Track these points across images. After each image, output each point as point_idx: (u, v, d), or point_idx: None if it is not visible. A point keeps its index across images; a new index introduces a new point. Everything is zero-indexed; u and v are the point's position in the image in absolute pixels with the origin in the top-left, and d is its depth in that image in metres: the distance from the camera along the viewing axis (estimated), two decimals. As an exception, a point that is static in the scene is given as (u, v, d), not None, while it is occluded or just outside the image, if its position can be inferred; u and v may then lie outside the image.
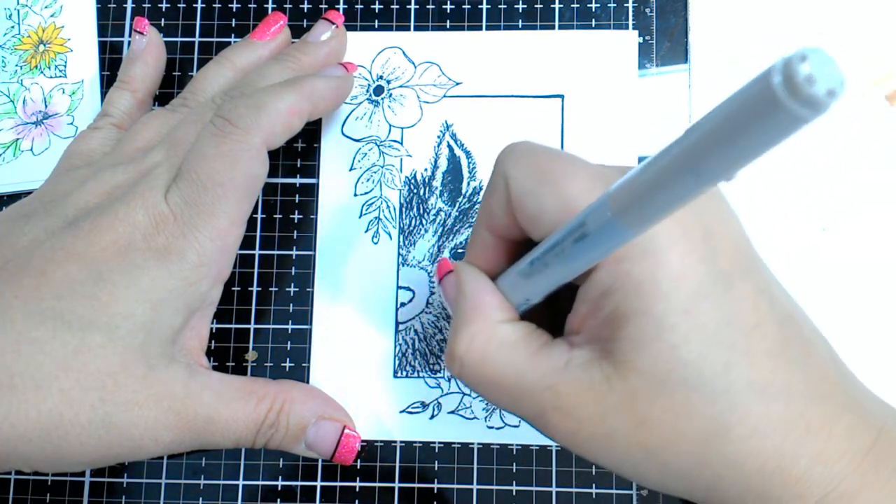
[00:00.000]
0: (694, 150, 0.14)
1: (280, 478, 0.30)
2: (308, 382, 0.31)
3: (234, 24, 0.34)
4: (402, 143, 0.32)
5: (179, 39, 0.34)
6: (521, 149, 0.23)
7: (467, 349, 0.23)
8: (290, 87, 0.28)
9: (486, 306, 0.24)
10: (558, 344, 0.23)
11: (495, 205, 0.24)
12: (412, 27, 0.33)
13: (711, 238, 0.21)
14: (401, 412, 0.31)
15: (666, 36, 0.33)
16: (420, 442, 0.30)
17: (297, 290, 0.32)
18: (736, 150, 0.13)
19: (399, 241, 0.32)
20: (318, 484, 0.30)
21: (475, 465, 0.30)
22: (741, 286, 0.21)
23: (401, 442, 0.30)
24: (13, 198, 0.33)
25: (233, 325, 0.32)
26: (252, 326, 0.31)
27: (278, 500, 0.30)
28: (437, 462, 0.30)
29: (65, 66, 0.34)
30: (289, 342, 0.31)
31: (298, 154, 0.33)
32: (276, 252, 0.32)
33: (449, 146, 0.32)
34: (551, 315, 0.25)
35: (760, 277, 0.22)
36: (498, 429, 0.30)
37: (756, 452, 0.21)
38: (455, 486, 0.30)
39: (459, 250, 0.31)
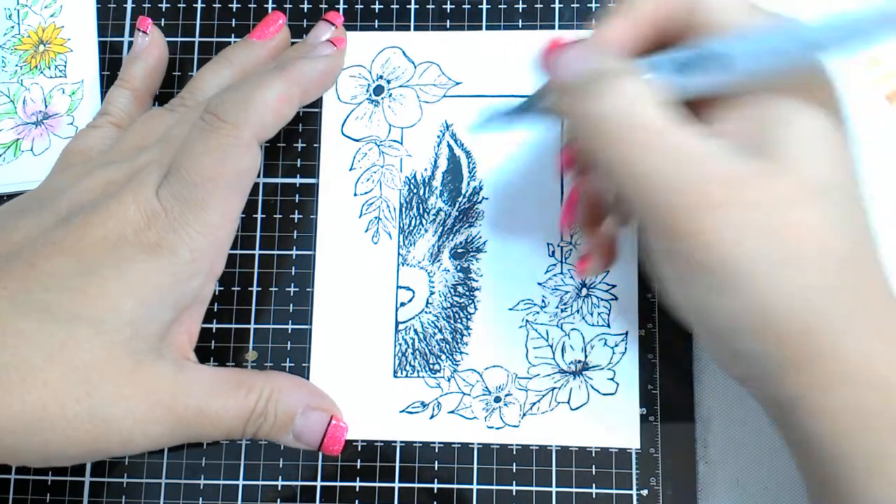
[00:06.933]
0: None
1: (280, 478, 0.30)
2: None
3: (234, 24, 0.34)
4: (402, 143, 0.32)
5: (179, 39, 0.34)
6: None
7: (614, 89, 0.21)
8: (277, 75, 0.28)
9: (636, 71, 0.22)
10: (707, 128, 0.22)
11: None
12: (412, 27, 0.33)
13: None
14: (401, 412, 0.31)
15: (666, 36, 0.33)
16: (420, 442, 0.30)
17: (297, 290, 0.32)
18: None
19: (399, 241, 0.32)
20: (318, 484, 0.30)
21: (475, 465, 0.30)
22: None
23: (401, 442, 0.30)
24: (13, 198, 0.33)
25: (233, 325, 0.32)
26: (252, 326, 0.31)
27: (278, 500, 0.30)
28: (437, 462, 0.30)
29: (65, 66, 0.34)
30: (289, 342, 0.31)
31: (298, 154, 0.33)
32: (276, 252, 0.32)
33: (449, 146, 0.32)
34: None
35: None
36: (498, 429, 0.30)
37: (883, 287, 0.21)
38: (455, 486, 0.30)
39: (459, 250, 0.31)
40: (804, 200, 0.20)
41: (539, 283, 0.31)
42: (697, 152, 0.21)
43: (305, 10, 0.34)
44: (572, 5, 0.33)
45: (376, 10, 0.34)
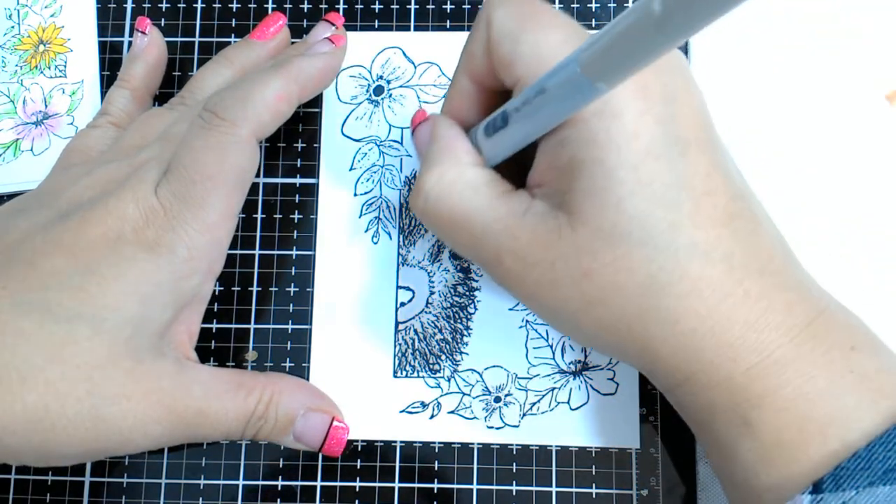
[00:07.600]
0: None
1: (280, 478, 0.30)
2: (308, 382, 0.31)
3: (234, 24, 0.34)
4: (402, 143, 0.32)
5: (179, 39, 0.34)
6: None
7: (435, 184, 0.24)
8: (276, 73, 0.28)
9: (457, 150, 0.25)
10: (520, 193, 0.24)
11: (475, 46, 0.25)
12: (412, 27, 0.33)
13: (673, 105, 0.22)
14: (401, 412, 0.31)
15: (666, 36, 0.33)
16: (420, 442, 0.30)
17: (297, 290, 0.32)
18: (700, 6, 0.14)
19: (399, 241, 0.32)
20: (318, 484, 0.30)
21: (475, 465, 0.30)
22: (696, 154, 0.22)
23: (401, 442, 0.30)
24: (13, 198, 0.33)
25: (233, 325, 0.32)
26: (252, 326, 0.31)
27: (278, 500, 0.30)
28: (437, 462, 0.30)
29: (65, 66, 0.34)
30: (289, 342, 0.31)
31: (298, 154, 0.33)
32: (276, 252, 0.32)
33: (449, 146, 0.32)
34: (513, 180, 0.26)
35: (717, 152, 0.23)
36: (498, 429, 0.30)
37: (691, 312, 0.22)
38: (455, 486, 0.30)
39: (459, 250, 0.31)
40: (598, 247, 0.22)
41: (539, 283, 0.31)
42: (510, 223, 0.23)
43: (305, 10, 0.34)
44: (572, 5, 0.33)
45: (376, 10, 0.34)
